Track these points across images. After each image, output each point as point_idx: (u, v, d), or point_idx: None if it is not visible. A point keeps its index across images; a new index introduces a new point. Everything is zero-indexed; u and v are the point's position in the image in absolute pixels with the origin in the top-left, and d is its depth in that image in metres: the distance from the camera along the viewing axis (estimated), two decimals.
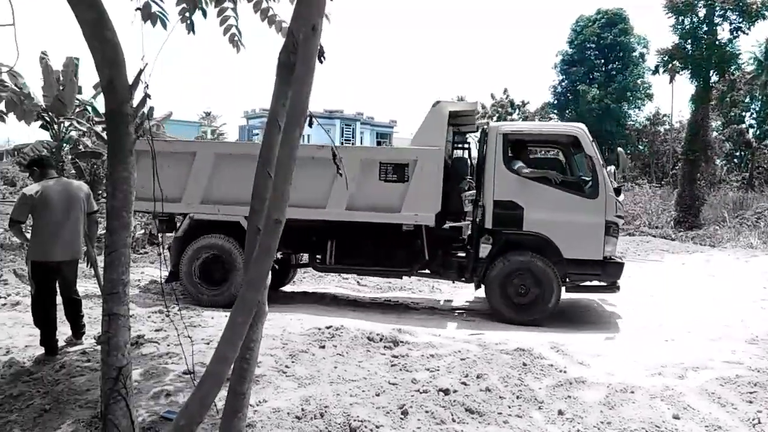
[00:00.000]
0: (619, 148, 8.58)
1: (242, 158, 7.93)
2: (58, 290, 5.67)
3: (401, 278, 9.22)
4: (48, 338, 5.45)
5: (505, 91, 41.37)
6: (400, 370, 5.17)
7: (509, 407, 4.43)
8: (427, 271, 8.49)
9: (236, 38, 4.70)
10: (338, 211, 7.86)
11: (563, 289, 7.87)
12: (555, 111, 41.46)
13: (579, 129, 8.07)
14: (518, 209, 7.74)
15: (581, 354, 5.94)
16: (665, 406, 4.55)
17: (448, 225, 8.51)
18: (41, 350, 5.47)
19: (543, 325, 7.58)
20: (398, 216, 7.91)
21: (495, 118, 38.88)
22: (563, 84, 40.64)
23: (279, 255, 8.75)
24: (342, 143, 41.78)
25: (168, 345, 5.76)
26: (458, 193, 8.41)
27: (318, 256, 8.48)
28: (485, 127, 8.32)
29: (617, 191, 7.79)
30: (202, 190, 8.19)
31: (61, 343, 5.64)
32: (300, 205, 7.26)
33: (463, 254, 8.27)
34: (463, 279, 8.30)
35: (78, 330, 5.79)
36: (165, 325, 6.55)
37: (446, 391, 4.55)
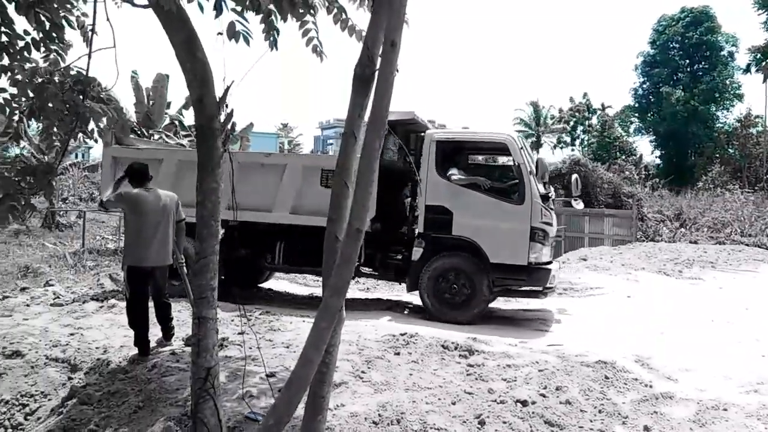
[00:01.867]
0: (540, 156, 8.56)
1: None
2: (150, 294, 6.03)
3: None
4: (141, 339, 5.79)
5: (585, 95, 40.17)
6: (476, 379, 5.12)
7: (591, 421, 4.30)
8: (372, 272, 8.90)
9: (318, 48, 4.86)
10: (283, 214, 8.42)
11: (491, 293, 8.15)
12: (636, 114, 39.88)
13: (508, 136, 8.40)
14: (448, 214, 8.05)
15: (668, 368, 5.66)
16: (762, 425, 4.27)
17: (406, 230, 8.87)
18: (135, 350, 5.82)
19: (628, 339, 7.29)
20: None
21: (572, 123, 37.80)
22: (645, 86, 39.05)
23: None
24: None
25: (250, 348, 5.98)
26: (401, 200, 8.85)
27: (268, 256, 8.98)
28: (422, 134, 8.55)
29: (545, 198, 7.98)
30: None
31: (152, 344, 5.98)
32: (250, 208, 8.01)
33: (400, 257, 8.60)
34: (403, 281, 8.62)
35: (167, 332, 6.12)
36: (247, 328, 6.80)
37: (524, 403, 4.47)
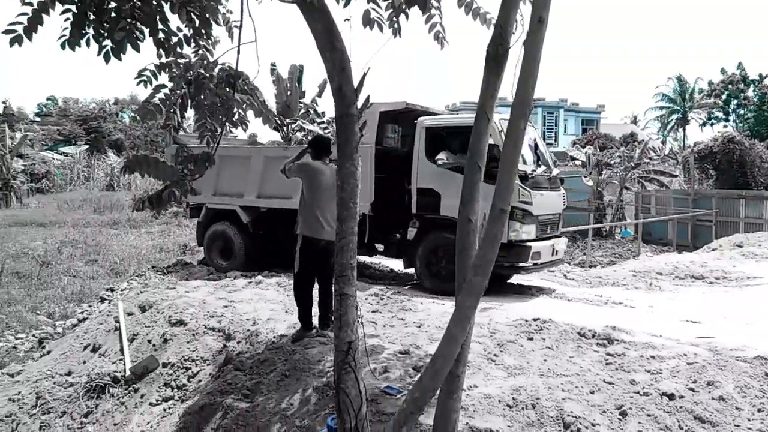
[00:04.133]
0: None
1: (239, 159, 9.93)
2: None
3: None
4: (305, 315, 5.91)
5: (740, 65, 36.09)
6: (616, 369, 4.90)
7: (749, 420, 3.96)
8: (380, 249, 9.61)
9: (441, 35, 4.85)
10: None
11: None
12: None
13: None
14: (436, 196, 8.53)
15: None
16: None
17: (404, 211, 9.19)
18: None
19: None
20: None
21: (724, 97, 34.26)
22: None
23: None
24: (544, 132, 40.44)
25: (384, 326, 6.20)
26: (403, 185, 9.17)
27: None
28: (416, 122, 9.02)
29: (523, 178, 8.14)
30: (212, 185, 10.12)
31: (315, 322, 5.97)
32: (272, 196, 9.43)
33: (399, 236, 9.21)
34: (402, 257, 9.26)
35: (325, 319, 5.89)
36: (380, 307, 7.07)
37: (671, 396, 4.21)
